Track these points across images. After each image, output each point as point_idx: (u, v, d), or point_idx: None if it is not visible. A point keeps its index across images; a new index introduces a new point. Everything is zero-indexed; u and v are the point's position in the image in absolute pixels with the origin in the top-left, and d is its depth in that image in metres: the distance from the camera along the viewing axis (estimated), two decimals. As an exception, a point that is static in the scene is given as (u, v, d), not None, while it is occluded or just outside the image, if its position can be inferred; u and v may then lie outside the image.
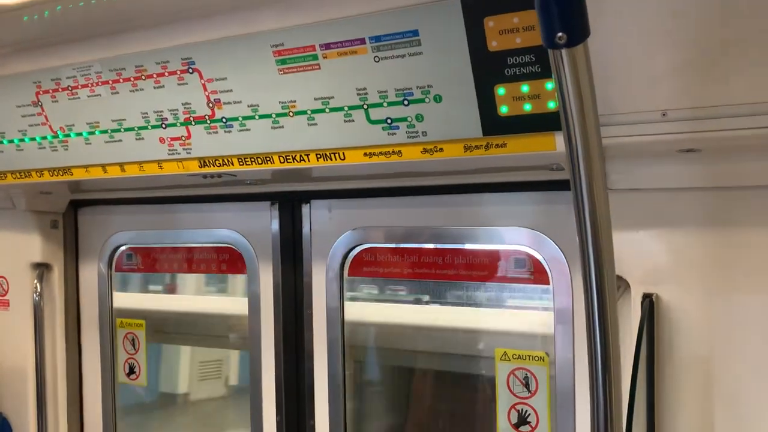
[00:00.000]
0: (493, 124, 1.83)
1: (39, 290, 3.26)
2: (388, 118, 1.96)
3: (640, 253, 2.00)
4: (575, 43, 1.09)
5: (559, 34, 1.08)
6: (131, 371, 3.35)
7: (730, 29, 1.54)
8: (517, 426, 2.45)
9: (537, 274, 2.47)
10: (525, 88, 1.74)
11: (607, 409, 1.31)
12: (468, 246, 2.59)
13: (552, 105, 1.73)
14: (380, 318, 3.03)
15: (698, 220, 1.95)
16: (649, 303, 1.96)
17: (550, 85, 1.71)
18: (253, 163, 2.26)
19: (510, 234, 2.46)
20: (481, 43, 1.72)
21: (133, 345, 3.34)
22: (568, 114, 1.16)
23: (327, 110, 2.04)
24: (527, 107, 1.76)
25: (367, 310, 2.99)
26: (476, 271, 2.59)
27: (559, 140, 1.77)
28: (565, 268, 2.33)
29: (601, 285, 1.25)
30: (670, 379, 1.98)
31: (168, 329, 3.59)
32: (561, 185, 2.28)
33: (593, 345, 1.30)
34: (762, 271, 1.90)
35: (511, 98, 1.77)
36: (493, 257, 2.56)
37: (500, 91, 1.77)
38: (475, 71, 1.77)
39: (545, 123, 1.75)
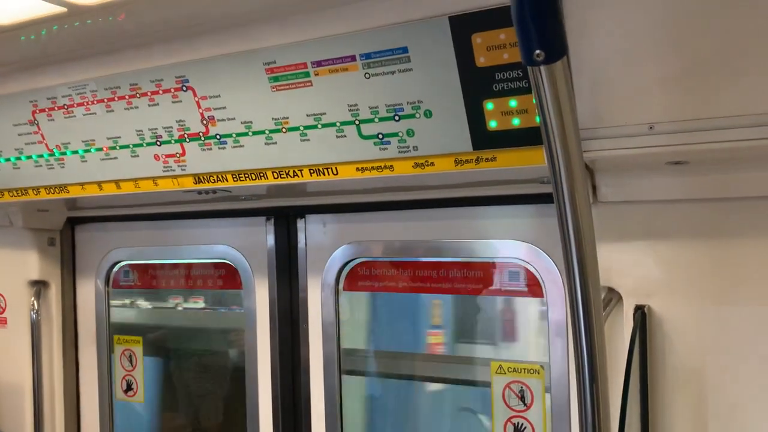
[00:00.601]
0: (483, 139, 1.85)
1: (36, 308, 3.27)
2: (379, 133, 1.99)
3: (632, 265, 2.01)
4: (553, 60, 1.11)
5: (537, 51, 1.10)
6: (128, 388, 3.35)
7: (716, 43, 1.56)
8: (513, 439, 2.45)
9: (531, 286, 2.48)
10: (513, 102, 1.76)
11: (595, 420, 1.31)
12: (463, 259, 2.60)
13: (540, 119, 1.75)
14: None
15: (689, 232, 1.96)
16: (641, 315, 1.96)
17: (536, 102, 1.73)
18: (247, 179, 2.28)
19: (504, 247, 2.47)
20: (469, 59, 1.74)
21: (131, 361, 3.34)
22: (549, 129, 1.18)
23: (319, 126, 2.06)
24: (516, 122, 1.78)
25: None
26: (471, 284, 2.60)
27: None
28: (559, 281, 2.34)
29: (587, 297, 1.26)
30: (663, 391, 1.99)
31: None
32: (551, 198, 2.28)
33: (581, 357, 1.31)
34: (754, 281, 1.91)
35: (500, 113, 1.79)
36: (488, 270, 2.57)
37: (489, 105, 1.79)
38: (464, 87, 1.79)
39: (533, 137, 1.77)
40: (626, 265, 2.01)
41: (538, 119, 1.73)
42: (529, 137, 1.78)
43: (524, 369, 2.44)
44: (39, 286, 3.30)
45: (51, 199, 2.74)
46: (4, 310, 3.35)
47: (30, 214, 3.20)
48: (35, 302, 3.27)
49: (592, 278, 1.26)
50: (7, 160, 2.70)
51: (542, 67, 1.12)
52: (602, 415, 1.31)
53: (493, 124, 1.81)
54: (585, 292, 1.27)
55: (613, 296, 2.05)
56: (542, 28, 1.09)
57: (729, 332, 1.93)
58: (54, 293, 3.35)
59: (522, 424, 2.44)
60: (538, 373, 2.41)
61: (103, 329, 3.37)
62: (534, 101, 1.72)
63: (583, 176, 1.23)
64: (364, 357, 3.11)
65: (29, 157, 2.64)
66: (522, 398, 2.43)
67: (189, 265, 3.24)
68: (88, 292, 3.41)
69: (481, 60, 1.73)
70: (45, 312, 3.32)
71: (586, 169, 1.92)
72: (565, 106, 1.17)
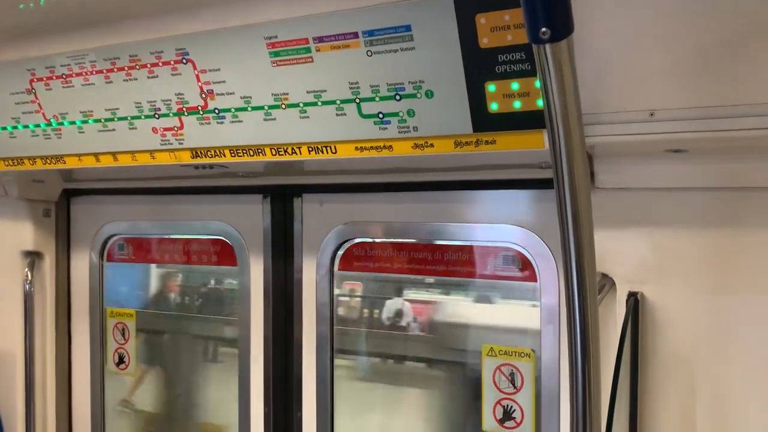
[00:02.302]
0: (483, 121, 1.84)
1: (30, 278, 3.26)
2: (379, 112, 1.98)
3: (627, 252, 2.02)
4: (559, 38, 1.11)
5: (543, 29, 1.10)
6: (120, 361, 3.36)
7: (719, 31, 1.56)
8: (502, 422, 2.47)
9: (525, 271, 2.49)
10: (515, 85, 1.76)
11: (586, 406, 1.32)
12: (458, 242, 2.61)
13: (541, 103, 1.74)
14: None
15: (685, 220, 1.97)
16: (634, 301, 1.97)
17: (539, 83, 1.72)
18: (245, 154, 2.27)
19: (499, 231, 2.47)
20: (473, 39, 1.73)
21: (123, 335, 3.35)
22: (551, 108, 1.18)
23: (319, 103, 2.05)
24: (517, 104, 1.78)
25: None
26: (465, 267, 2.61)
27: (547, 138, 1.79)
28: (553, 266, 2.35)
29: (582, 283, 1.26)
30: (653, 378, 2.00)
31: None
32: (550, 183, 2.28)
33: (574, 343, 1.32)
34: (749, 271, 1.92)
35: (501, 95, 1.78)
36: (482, 254, 2.58)
37: (491, 88, 1.79)
38: (467, 68, 1.78)
39: (534, 121, 1.77)
40: (621, 252, 2.02)
41: (539, 102, 1.74)
42: (530, 121, 1.78)
43: (515, 352, 2.45)
44: (33, 257, 3.29)
45: (47, 169, 2.72)
46: (-3, 280, 3.35)
47: (26, 184, 3.18)
48: (29, 273, 3.26)
49: (588, 264, 1.26)
50: (4, 129, 2.68)
51: (547, 46, 1.12)
52: (593, 400, 1.32)
53: (494, 107, 1.81)
54: (581, 278, 1.27)
55: (606, 282, 2.06)
56: (549, 5, 1.08)
57: (722, 322, 1.94)
58: (48, 264, 3.34)
59: (511, 406, 2.46)
60: (529, 357, 2.42)
61: (96, 302, 3.37)
62: (537, 84, 1.72)
63: (584, 159, 1.23)
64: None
65: (26, 127, 2.62)
66: (512, 381, 2.45)
67: (184, 241, 3.24)
68: (82, 264, 3.41)
69: (485, 41, 1.72)
70: (38, 283, 3.31)
71: None
72: (569, 86, 1.17)
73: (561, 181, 1.24)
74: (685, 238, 1.97)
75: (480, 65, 1.76)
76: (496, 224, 2.47)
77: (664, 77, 1.65)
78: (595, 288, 1.30)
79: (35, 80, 2.47)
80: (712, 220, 1.94)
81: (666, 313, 1.99)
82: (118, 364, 3.37)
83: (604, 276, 2.06)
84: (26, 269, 3.27)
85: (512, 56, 1.72)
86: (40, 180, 3.21)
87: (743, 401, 1.92)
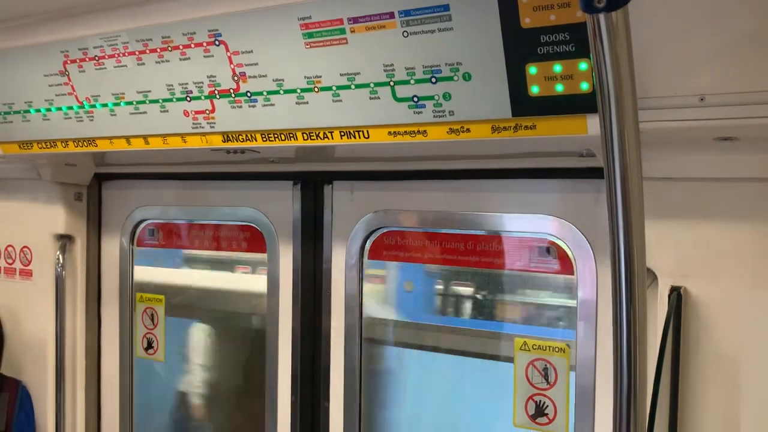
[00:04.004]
0: (523, 105, 1.77)
1: (61, 261, 3.28)
2: (414, 96, 1.92)
3: (670, 244, 1.94)
4: (615, 6, 1.03)
5: None
6: (149, 346, 3.36)
7: (774, 12, 1.47)
8: (534, 417, 2.41)
9: (562, 264, 2.41)
10: (558, 67, 1.68)
11: (630, 405, 1.25)
12: (492, 232, 2.54)
13: (585, 86, 1.67)
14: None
15: (732, 212, 1.88)
16: (677, 296, 1.90)
17: (583, 65, 1.65)
18: (277, 139, 2.23)
19: (536, 222, 2.40)
20: (514, 19, 1.66)
21: (152, 320, 3.35)
22: (604, 88, 1.10)
23: (353, 87, 2.00)
24: (559, 88, 1.70)
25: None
26: (499, 259, 2.54)
27: (590, 123, 1.71)
28: (591, 260, 2.27)
29: (631, 280, 1.19)
30: (696, 376, 1.92)
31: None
32: (590, 173, 2.21)
33: (619, 341, 1.24)
34: None
35: (543, 78, 1.71)
36: (517, 245, 2.51)
37: (532, 70, 1.71)
38: (507, 49, 1.71)
39: (577, 105, 1.69)
40: (664, 244, 1.94)
41: (584, 86, 1.67)
42: (572, 105, 1.70)
43: (549, 347, 2.38)
44: (65, 241, 3.31)
45: (79, 152, 2.72)
46: (30, 263, 3.37)
47: (58, 167, 3.20)
48: (60, 256, 3.28)
49: (638, 259, 1.19)
50: (38, 111, 2.68)
51: (602, 15, 1.04)
52: (638, 399, 1.25)
53: (535, 90, 1.73)
54: (630, 274, 1.19)
55: (649, 276, 1.98)
56: None
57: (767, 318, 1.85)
58: (79, 248, 3.36)
59: (544, 402, 2.39)
60: (564, 352, 2.35)
61: (126, 287, 3.38)
62: (581, 66, 1.64)
63: (638, 141, 1.15)
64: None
65: (59, 109, 2.62)
66: (545, 376, 2.38)
67: (214, 227, 3.22)
68: (112, 248, 3.42)
69: (527, 21, 1.65)
70: (70, 266, 3.33)
71: None
72: (624, 63, 1.09)
73: (612, 170, 1.16)
74: (733, 231, 1.88)
75: (521, 46, 1.69)
76: (533, 214, 2.40)
77: (714, 61, 1.57)
78: (644, 286, 1.22)
79: (68, 62, 2.47)
80: (761, 212, 1.85)
81: (710, 309, 1.91)
82: (146, 349, 3.37)
83: (647, 269, 1.98)
84: (57, 252, 3.29)
85: (555, 37, 1.64)
86: (72, 164, 3.22)
87: (791, 403, 1.83)
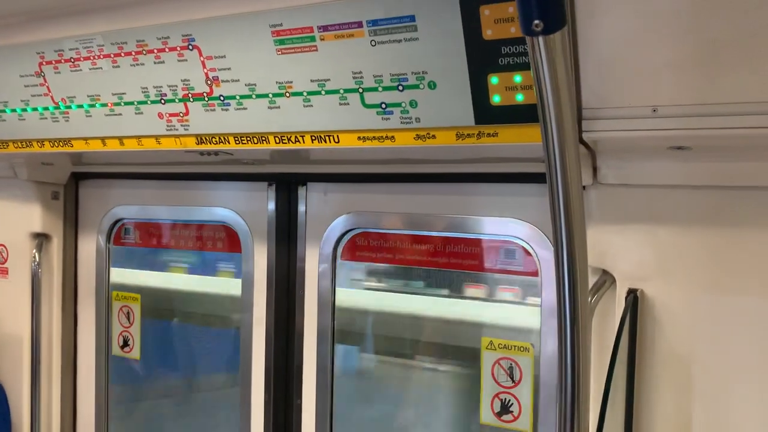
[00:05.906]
0: (486, 113, 1.84)
1: (38, 260, 3.30)
2: (382, 102, 1.98)
3: (627, 249, 2.01)
4: (551, 30, 1.10)
5: (536, 21, 1.09)
6: (125, 344, 3.39)
7: (724, 27, 1.54)
8: (499, 415, 2.48)
9: (528, 265, 2.48)
10: (518, 78, 1.75)
11: (575, 399, 1.32)
12: (460, 235, 2.60)
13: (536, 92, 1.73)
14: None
15: (687, 218, 1.96)
16: (633, 298, 1.97)
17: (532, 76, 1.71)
18: (249, 142, 2.28)
19: (503, 225, 2.47)
20: (477, 31, 1.72)
21: (128, 318, 3.38)
22: (544, 103, 1.17)
23: (323, 92, 2.05)
24: (519, 97, 1.77)
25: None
26: (467, 260, 2.60)
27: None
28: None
29: (573, 279, 1.26)
30: (650, 376, 2.00)
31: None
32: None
33: (563, 339, 1.31)
34: (750, 271, 1.90)
35: (504, 88, 1.77)
36: (485, 247, 2.57)
37: (493, 80, 1.78)
38: (470, 59, 1.78)
39: (536, 114, 1.75)
40: (622, 248, 2.01)
41: (540, 95, 1.73)
42: (532, 114, 1.76)
43: (514, 346, 2.45)
44: (41, 239, 3.33)
45: (55, 152, 2.74)
46: (5, 261, 3.39)
47: (34, 166, 3.21)
48: (36, 255, 3.30)
49: (579, 258, 1.26)
50: (13, 111, 2.70)
51: (540, 38, 1.11)
52: (581, 393, 1.32)
53: (496, 99, 1.80)
54: (572, 273, 1.26)
55: (607, 279, 2.05)
56: None
57: (721, 321, 1.93)
58: (55, 247, 3.38)
59: (509, 400, 2.46)
60: (528, 351, 2.42)
61: (103, 285, 3.40)
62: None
63: (577, 153, 1.22)
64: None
65: (35, 109, 2.64)
66: (510, 375, 2.45)
67: (189, 226, 3.26)
68: (89, 247, 3.44)
69: (488, 33, 1.71)
70: (46, 265, 3.35)
71: (587, 149, 1.91)
72: (562, 80, 1.16)
73: (554, 176, 1.23)
74: (687, 237, 1.96)
75: (483, 57, 1.75)
76: (500, 218, 2.46)
77: (667, 73, 1.63)
78: (587, 282, 1.29)
79: (44, 63, 2.49)
80: (714, 218, 1.93)
81: (665, 311, 1.98)
82: (122, 347, 3.40)
83: (605, 272, 2.05)
84: (34, 251, 3.31)
85: (515, 48, 1.71)
86: (49, 163, 3.24)
87: (739, 400, 1.91)
